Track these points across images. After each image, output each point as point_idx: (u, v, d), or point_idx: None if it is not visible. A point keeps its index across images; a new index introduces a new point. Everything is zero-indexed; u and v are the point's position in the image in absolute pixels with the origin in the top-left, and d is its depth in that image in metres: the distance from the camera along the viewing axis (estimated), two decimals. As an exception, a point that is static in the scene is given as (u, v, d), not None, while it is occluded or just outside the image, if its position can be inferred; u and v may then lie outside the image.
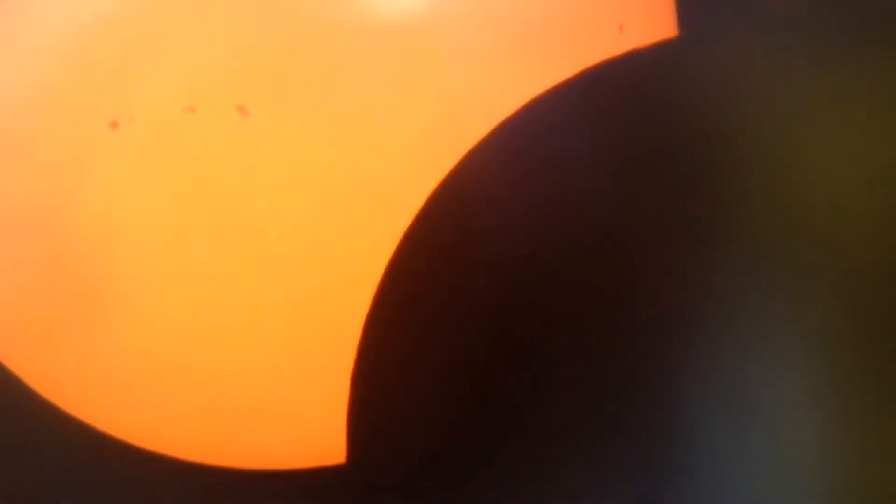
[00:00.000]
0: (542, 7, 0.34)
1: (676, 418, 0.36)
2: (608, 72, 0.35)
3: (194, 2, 0.33)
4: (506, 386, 0.35)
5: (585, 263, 0.35)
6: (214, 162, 0.33)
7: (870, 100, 0.37)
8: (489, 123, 0.34)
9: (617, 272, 0.36)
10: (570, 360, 0.36)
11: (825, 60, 0.36)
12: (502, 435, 0.35)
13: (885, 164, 0.37)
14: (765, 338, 0.36)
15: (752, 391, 0.36)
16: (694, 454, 0.36)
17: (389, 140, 0.33)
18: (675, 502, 0.36)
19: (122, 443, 0.35)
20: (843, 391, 0.37)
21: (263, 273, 0.33)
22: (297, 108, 0.33)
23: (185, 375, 0.34)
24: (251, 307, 0.33)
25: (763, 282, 0.36)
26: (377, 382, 0.34)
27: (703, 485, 0.36)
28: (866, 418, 0.37)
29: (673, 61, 0.35)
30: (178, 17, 0.33)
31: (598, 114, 0.35)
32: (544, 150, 0.35)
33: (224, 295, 0.33)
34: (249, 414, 0.34)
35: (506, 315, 0.35)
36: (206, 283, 0.33)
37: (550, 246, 0.35)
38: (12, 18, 0.33)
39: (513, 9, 0.34)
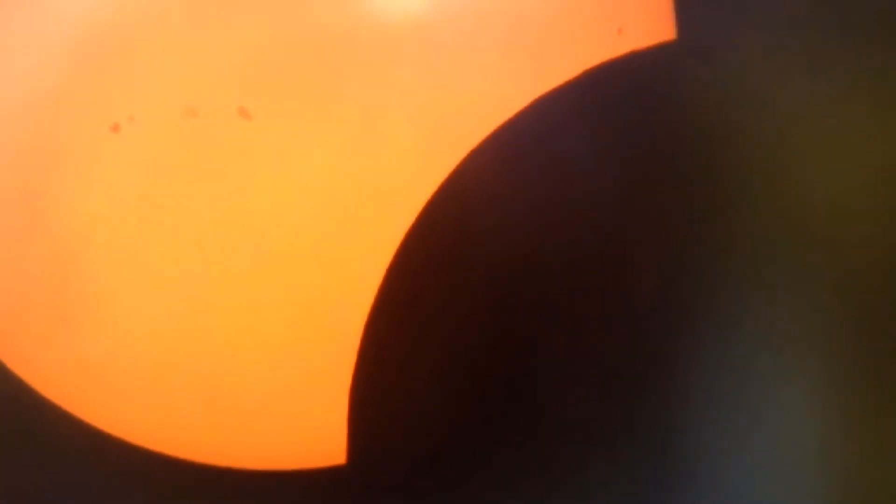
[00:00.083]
0: (542, 10, 0.34)
1: (676, 418, 0.36)
2: (608, 73, 0.35)
3: (196, 5, 0.33)
4: (506, 386, 0.35)
5: (585, 263, 0.36)
6: (216, 164, 0.33)
7: (869, 101, 0.37)
8: (490, 125, 0.34)
9: (617, 272, 0.36)
10: (570, 361, 0.36)
11: (824, 62, 0.37)
12: (502, 435, 0.36)
13: (884, 165, 0.37)
14: (765, 337, 0.36)
15: (751, 391, 0.36)
16: (694, 454, 0.37)
17: (390, 141, 0.34)
18: (676, 502, 0.36)
19: (123, 442, 0.35)
20: (843, 391, 0.37)
21: (265, 274, 0.33)
22: (298, 110, 0.33)
23: (186, 375, 0.34)
24: (252, 308, 0.34)
25: (763, 282, 0.36)
26: (378, 383, 0.34)
27: (704, 485, 0.37)
28: (866, 418, 0.37)
29: (672, 63, 0.36)
30: (179, 20, 0.33)
31: (598, 115, 0.35)
32: (545, 152, 0.35)
33: (225, 295, 0.33)
34: (250, 414, 0.34)
35: (506, 315, 0.35)
36: (208, 283, 0.33)
37: (550, 246, 0.35)
38: (15, 22, 0.34)
39: (513, 11, 0.34)
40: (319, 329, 0.34)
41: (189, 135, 0.33)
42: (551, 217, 0.35)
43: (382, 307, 0.34)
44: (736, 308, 0.36)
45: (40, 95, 0.33)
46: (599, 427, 0.36)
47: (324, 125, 0.33)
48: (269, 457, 0.35)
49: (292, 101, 0.33)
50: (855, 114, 0.37)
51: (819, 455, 0.37)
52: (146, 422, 0.35)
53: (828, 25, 0.36)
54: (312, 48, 0.33)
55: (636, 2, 0.35)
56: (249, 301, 0.33)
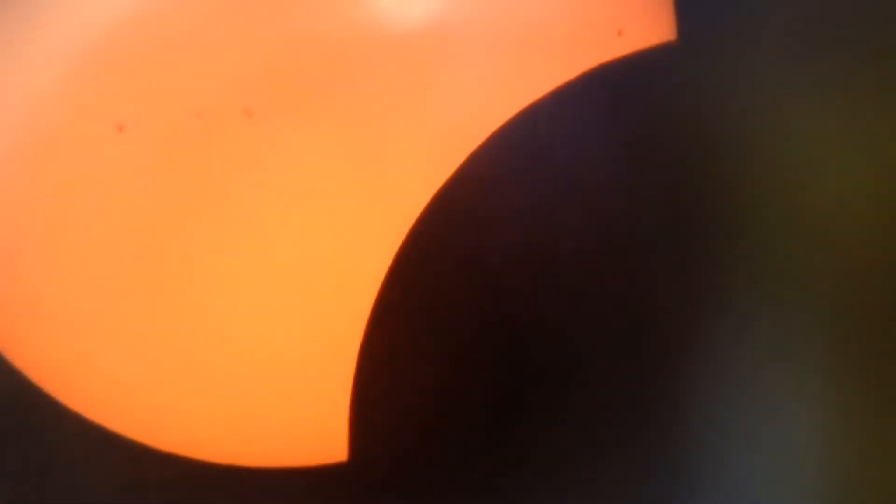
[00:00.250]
0: (542, 11, 0.35)
1: (678, 417, 0.36)
2: (608, 75, 0.35)
3: (200, 7, 0.33)
4: (507, 385, 0.36)
5: (586, 264, 0.36)
6: (220, 165, 0.33)
7: (869, 101, 0.37)
8: (491, 126, 0.34)
9: (618, 273, 0.36)
10: (572, 361, 0.36)
11: (823, 63, 0.37)
12: (503, 433, 0.36)
13: (884, 165, 0.37)
14: (767, 337, 0.37)
15: (754, 390, 0.37)
16: (697, 453, 0.37)
17: (393, 143, 0.34)
18: (677, 500, 0.36)
19: (125, 439, 0.35)
20: (845, 391, 0.37)
21: (267, 273, 0.34)
22: (302, 111, 0.33)
23: (188, 374, 0.34)
24: (255, 306, 0.34)
25: (764, 281, 0.36)
26: (379, 381, 0.35)
27: (707, 484, 0.37)
28: (867, 418, 0.37)
29: (672, 65, 0.36)
30: (184, 22, 0.33)
31: (599, 116, 0.35)
32: (545, 153, 0.35)
33: (228, 295, 0.34)
34: (253, 412, 0.35)
35: (507, 315, 0.35)
36: (211, 283, 0.34)
37: (551, 247, 0.35)
38: (21, 23, 0.34)
39: (514, 14, 0.34)
40: (321, 327, 0.34)
41: (194, 135, 0.33)
42: (552, 218, 0.35)
43: (384, 306, 0.34)
44: (737, 308, 0.36)
45: (46, 96, 0.33)
46: (603, 427, 0.36)
47: (327, 126, 0.33)
48: (271, 454, 0.35)
49: (296, 102, 0.33)
50: (855, 114, 0.37)
51: (821, 454, 0.37)
52: (148, 419, 0.35)
53: (827, 26, 0.37)
54: (316, 51, 0.33)
55: (636, 3, 0.36)
56: (252, 299, 0.34)
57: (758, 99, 0.36)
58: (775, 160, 0.37)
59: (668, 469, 0.36)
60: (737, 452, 0.37)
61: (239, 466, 0.35)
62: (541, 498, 0.36)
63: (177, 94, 0.33)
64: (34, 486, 0.36)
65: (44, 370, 0.35)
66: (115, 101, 0.33)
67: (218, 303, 0.34)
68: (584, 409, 0.36)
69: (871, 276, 0.37)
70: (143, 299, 0.34)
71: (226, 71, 0.33)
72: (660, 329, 0.36)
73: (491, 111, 0.34)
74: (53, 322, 0.34)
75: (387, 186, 0.34)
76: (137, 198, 0.33)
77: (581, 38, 0.35)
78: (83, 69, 0.33)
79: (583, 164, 0.36)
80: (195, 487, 0.36)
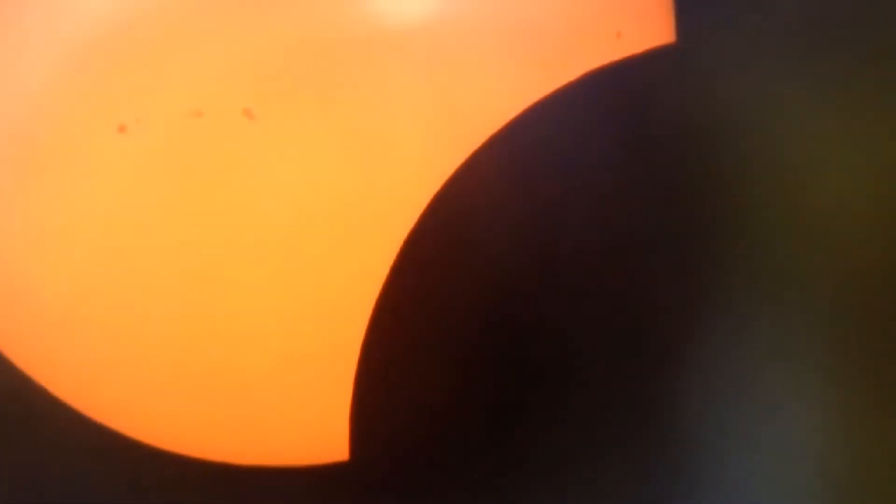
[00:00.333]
0: (541, 13, 0.35)
1: (677, 417, 0.37)
2: (607, 77, 0.35)
3: (201, 7, 0.33)
4: (507, 385, 0.36)
5: (587, 264, 0.36)
6: (221, 165, 0.33)
7: (869, 101, 0.37)
8: (490, 128, 0.34)
9: (618, 273, 0.36)
10: (573, 361, 0.36)
11: (823, 64, 0.37)
12: (504, 432, 0.36)
13: (884, 165, 0.37)
14: (766, 337, 0.37)
15: (753, 391, 0.37)
16: (693, 453, 0.37)
17: (393, 143, 0.34)
18: (677, 500, 0.36)
19: (127, 439, 0.35)
20: (845, 391, 0.37)
21: (269, 273, 0.34)
22: (302, 111, 0.34)
23: (190, 373, 0.34)
24: (256, 305, 0.34)
25: (764, 282, 0.37)
26: (380, 380, 0.35)
27: (707, 484, 0.37)
28: (867, 418, 0.37)
29: (670, 67, 0.36)
30: (185, 21, 0.33)
31: (598, 118, 0.36)
32: (544, 154, 0.35)
33: (230, 294, 0.34)
34: (254, 411, 0.35)
35: (508, 315, 0.36)
36: (212, 282, 0.34)
37: (551, 247, 0.36)
38: (22, 22, 0.34)
39: (513, 15, 0.35)
40: (322, 326, 0.34)
41: (194, 136, 0.33)
42: (552, 218, 0.35)
43: (386, 305, 0.34)
44: (737, 308, 0.37)
45: (48, 96, 0.34)
46: (603, 427, 0.36)
47: (327, 126, 0.34)
48: (272, 453, 0.35)
49: (296, 102, 0.34)
50: (855, 114, 0.37)
51: (821, 454, 0.37)
52: (148, 418, 0.35)
53: (827, 26, 0.37)
54: (317, 50, 0.34)
55: (635, 5, 0.36)
56: (253, 298, 0.34)
57: (757, 100, 0.37)
58: (775, 161, 0.37)
59: (668, 469, 0.36)
60: (737, 452, 0.37)
61: (240, 465, 0.36)
62: (541, 497, 0.36)
63: (177, 95, 0.33)
64: (33, 484, 0.36)
65: (44, 369, 0.35)
66: (116, 102, 0.33)
67: (219, 302, 0.34)
68: (584, 409, 0.36)
69: (871, 275, 0.37)
70: (144, 299, 0.34)
71: (226, 71, 0.33)
72: (660, 329, 0.36)
73: (491, 112, 0.34)
74: (54, 321, 0.35)
75: (387, 186, 0.34)
76: (138, 197, 0.34)
77: (580, 40, 0.35)
78: (84, 69, 0.34)
79: (583, 166, 0.36)
80: (196, 486, 0.36)
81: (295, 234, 0.34)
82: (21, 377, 0.36)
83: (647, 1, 0.36)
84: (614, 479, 0.36)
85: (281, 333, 0.34)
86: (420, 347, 0.35)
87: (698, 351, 0.37)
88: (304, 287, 0.34)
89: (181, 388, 0.35)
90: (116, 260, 0.34)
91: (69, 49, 0.34)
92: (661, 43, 0.36)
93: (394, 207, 0.34)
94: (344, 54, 0.34)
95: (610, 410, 0.36)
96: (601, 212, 0.36)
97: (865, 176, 0.37)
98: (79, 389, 0.35)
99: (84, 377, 0.35)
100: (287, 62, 0.33)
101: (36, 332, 0.35)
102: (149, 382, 0.35)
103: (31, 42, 0.34)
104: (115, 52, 0.33)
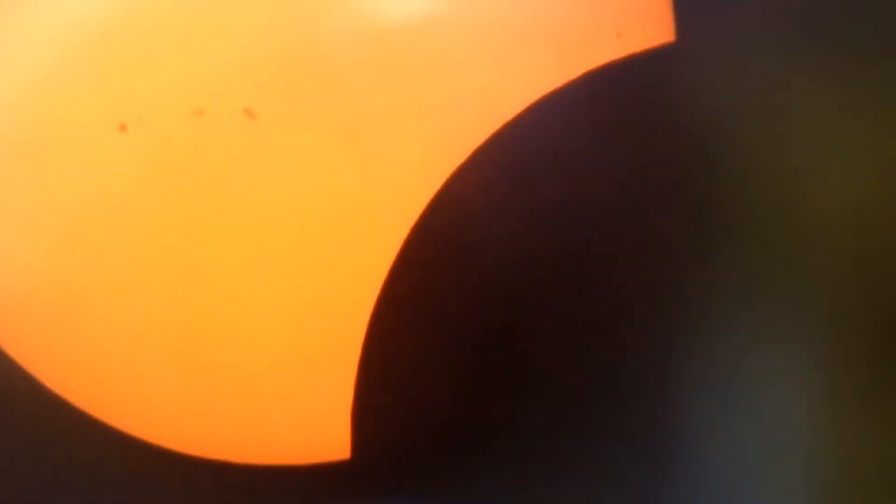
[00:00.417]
0: (541, 13, 0.35)
1: (675, 417, 0.37)
2: (607, 76, 0.35)
3: (202, 6, 0.34)
4: (509, 383, 0.36)
5: (587, 264, 0.36)
6: (222, 164, 0.34)
7: (869, 102, 0.37)
8: (491, 127, 0.35)
9: (618, 272, 0.36)
10: (573, 360, 0.36)
11: (823, 64, 0.37)
12: (506, 431, 0.36)
13: (884, 166, 0.37)
14: (764, 336, 0.37)
15: (751, 391, 0.37)
16: (692, 453, 0.37)
17: (394, 142, 0.34)
18: (674, 499, 0.37)
19: (129, 437, 0.36)
20: (843, 391, 0.37)
21: (270, 272, 0.34)
22: (303, 110, 0.34)
23: (191, 371, 0.34)
24: (258, 305, 0.34)
25: (762, 281, 0.37)
26: (381, 380, 0.35)
27: (702, 484, 0.37)
28: (865, 418, 0.37)
29: (670, 66, 0.36)
30: (186, 21, 0.34)
31: (598, 117, 0.36)
32: (544, 154, 0.35)
33: (231, 293, 0.34)
34: (255, 410, 0.35)
35: (508, 314, 0.36)
36: (214, 281, 0.34)
37: (551, 247, 0.36)
38: (22, 21, 0.34)
39: (513, 15, 0.35)
40: (324, 325, 0.34)
41: (196, 135, 0.33)
42: (551, 218, 0.36)
43: (386, 304, 0.35)
44: (736, 307, 0.37)
45: (49, 94, 0.34)
46: (603, 424, 0.36)
47: (328, 126, 0.34)
48: (274, 452, 0.36)
49: (297, 101, 0.34)
50: (855, 114, 0.37)
51: (817, 454, 0.37)
52: (150, 416, 0.35)
53: (827, 26, 0.37)
54: (318, 50, 0.34)
55: (635, 5, 0.36)
56: (254, 297, 0.34)
57: (757, 99, 0.37)
58: (775, 160, 0.37)
59: (663, 466, 0.37)
60: (733, 452, 0.37)
61: (241, 464, 0.36)
62: (543, 491, 0.36)
63: (179, 94, 0.33)
64: (33, 481, 0.36)
65: (44, 367, 0.36)
66: (117, 101, 0.33)
67: (220, 301, 0.34)
68: (584, 408, 0.36)
69: (871, 275, 0.37)
70: (145, 298, 0.34)
71: (227, 71, 0.33)
72: (660, 329, 0.36)
73: (491, 112, 0.35)
74: (55, 319, 0.35)
75: (388, 186, 0.34)
76: (139, 196, 0.34)
77: (580, 40, 0.35)
78: (85, 68, 0.34)
79: (583, 165, 0.36)
80: (197, 485, 0.36)
81: (296, 232, 0.34)
82: (23, 375, 0.36)
83: (647, 0, 0.36)
84: (614, 477, 0.36)
85: (282, 332, 0.34)
86: (421, 347, 0.35)
87: (695, 352, 0.37)
88: (306, 286, 0.34)
89: (183, 387, 0.35)
90: (117, 258, 0.34)
91: (70, 48, 0.34)
92: (661, 42, 0.36)
93: (394, 207, 0.34)
94: (345, 54, 0.34)
95: (613, 409, 0.36)
96: (601, 211, 0.36)
97: (865, 175, 0.37)
98: (81, 388, 0.35)
99: (86, 376, 0.35)
100: (288, 62, 0.34)
101: (38, 331, 0.35)
102: (150, 380, 0.35)
103: (32, 41, 0.34)
104: (116, 51, 0.34)
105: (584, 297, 0.36)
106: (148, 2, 0.34)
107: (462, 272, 0.35)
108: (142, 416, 0.35)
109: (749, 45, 0.37)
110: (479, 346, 0.35)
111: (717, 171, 0.37)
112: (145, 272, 0.34)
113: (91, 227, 0.34)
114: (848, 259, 0.37)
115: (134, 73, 0.33)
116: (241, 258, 0.34)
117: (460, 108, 0.34)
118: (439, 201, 0.34)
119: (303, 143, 0.34)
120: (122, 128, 0.33)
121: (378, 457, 0.35)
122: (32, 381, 0.36)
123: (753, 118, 0.37)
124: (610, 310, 0.36)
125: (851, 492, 0.37)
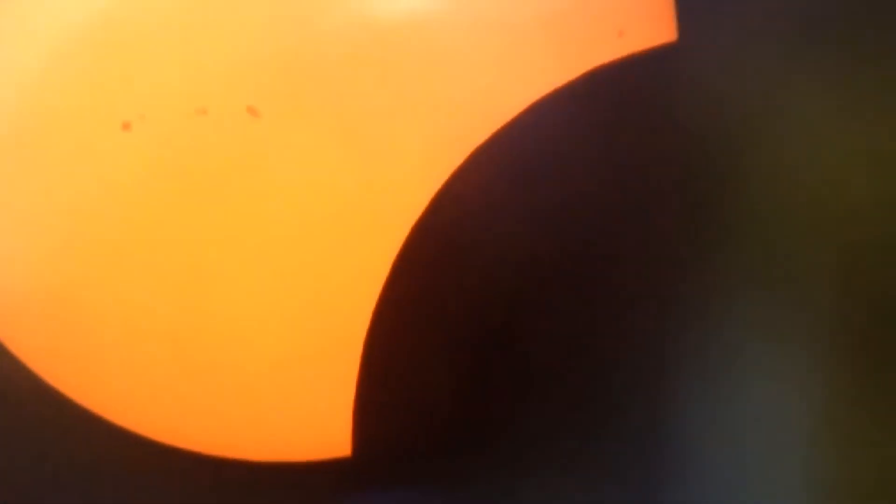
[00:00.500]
0: (542, 12, 0.35)
1: (675, 417, 0.37)
2: (609, 75, 0.35)
3: (205, 5, 0.34)
4: (509, 381, 0.36)
5: (587, 263, 0.36)
6: (224, 162, 0.34)
7: (869, 102, 0.37)
8: (492, 126, 0.35)
9: (617, 273, 0.36)
10: (573, 360, 0.36)
11: (823, 64, 0.37)
12: (507, 428, 0.36)
13: (884, 166, 0.37)
14: (764, 337, 0.37)
15: (750, 390, 0.37)
16: (692, 453, 0.37)
17: (395, 142, 0.34)
18: (674, 499, 0.37)
19: (131, 434, 0.36)
20: (842, 391, 0.37)
21: (272, 270, 0.34)
22: (305, 109, 0.34)
23: (192, 369, 0.35)
24: (260, 302, 0.34)
25: (762, 281, 0.37)
26: (383, 377, 0.35)
27: (702, 484, 0.37)
28: (865, 418, 0.37)
29: (672, 65, 0.36)
30: (189, 19, 0.34)
31: (599, 117, 0.36)
32: (545, 153, 0.36)
33: (234, 290, 0.34)
34: (257, 407, 0.35)
35: (508, 314, 0.36)
36: (216, 278, 0.34)
37: (550, 246, 0.36)
38: (26, 20, 0.34)
39: (513, 14, 0.35)
40: (325, 323, 0.35)
41: (199, 133, 0.34)
42: (551, 218, 0.36)
43: (387, 302, 0.35)
44: (735, 307, 0.37)
45: (52, 93, 0.34)
46: (602, 423, 0.36)
47: (330, 125, 0.34)
48: (275, 449, 0.36)
49: (300, 100, 0.34)
50: (855, 114, 0.37)
51: (817, 454, 0.37)
52: (151, 413, 0.35)
53: (828, 26, 0.37)
54: (320, 49, 0.34)
55: (637, 4, 0.36)
56: (256, 295, 0.34)
57: (758, 99, 0.37)
58: (775, 160, 0.37)
59: (663, 466, 0.37)
60: (732, 452, 0.37)
61: (243, 461, 0.36)
62: (543, 488, 0.36)
63: (181, 92, 0.33)
64: (35, 478, 0.36)
65: (47, 365, 0.36)
66: (120, 99, 0.34)
67: (222, 298, 0.34)
68: (586, 408, 0.36)
69: (870, 275, 0.37)
70: (148, 294, 0.34)
71: (230, 69, 0.34)
72: (660, 328, 0.37)
73: (493, 111, 0.35)
74: (58, 318, 0.35)
75: (389, 185, 0.34)
76: (142, 194, 0.34)
77: (582, 39, 0.35)
78: (88, 67, 0.34)
79: (583, 165, 0.36)
80: (198, 481, 0.36)
81: (298, 230, 0.34)
82: (25, 374, 0.36)
83: (649, 0, 0.36)
84: (614, 477, 0.36)
85: (284, 330, 0.34)
86: (422, 345, 0.35)
87: (695, 352, 0.37)
88: (307, 284, 0.34)
89: (184, 384, 0.35)
90: (119, 256, 0.34)
91: (73, 46, 0.34)
92: (663, 42, 0.36)
93: (396, 205, 0.34)
94: (347, 54, 0.34)
95: (611, 410, 0.36)
96: (601, 211, 0.36)
97: (865, 175, 0.37)
98: (84, 385, 0.36)
99: (88, 374, 0.35)
100: (290, 61, 0.34)
101: (40, 329, 0.35)
102: (150, 378, 0.35)
103: (35, 39, 0.34)
104: (119, 49, 0.34)
105: (584, 297, 0.36)
106: (151, 1, 0.34)
107: (462, 272, 0.35)
108: (142, 413, 0.35)
109: (749, 45, 0.37)
110: (479, 345, 0.35)
111: (717, 171, 0.37)
112: (148, 269, 0.34)
113: (94, 225, 0.34)
114: (848, 259, 0.37)
115: (137, 71, 0.34)
116: (244, 255, 0.34)
117: (460, 108, 0.34)
118: (439, 201, 0.34)
119: (304, 141, 0.34)
120: (126, 126, 0.34)
121: (379, 454, 0.35)
122: (36, 380, 0.36)
123: (753, 118, 0.37)
124: (610, 310, 0.36)
125: (851, 492, 0.37)
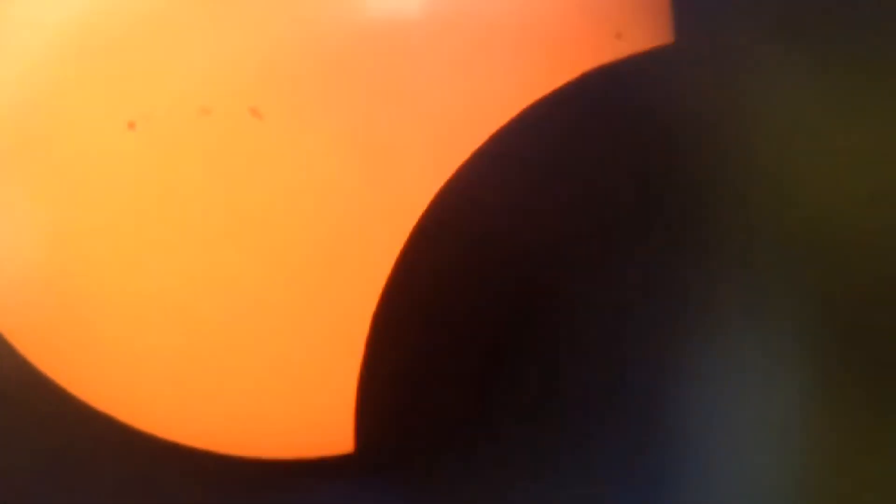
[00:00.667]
0: (540, 13, 0.35)
1: (675, 417, 0.37)
2: (605, 77, 0.36)
3: (209, 4, 0.34)
4: (511, 378, 0.36)
5: (584, 266, 0.36)
6: (228, 162, 0.34)
7: (869, 104, 0.37)
8: (489, 128, 0.35)
9: (617, 273, 0.37)
10: (574, 360, 0.36)
11: (823, 65, 0.37)
12: (508, 425, 0.36)
13: (884, 168, 0.37)
14: (764, 338, 0.37)
15: (751, 391, 0.37)
16: (692, 453, 0.37)
17: (397, 142, 0.35)
18: (674, 499, 0.37)
19: (132, 429, 0.36)
20: (843, 392, 0.37)
21: (275, 267, 0.35)
22: (308, 110, 0.34)
23: (194, 366, 0.35)
24: (263, 300, 0.35)
25: (761, 283, 0.37)
26: (385, 373, 0.35)
27: (702, 484, 0.37)
28: (865, 419, 0.37)
29: (669, 67, 0.36)
30: (193, 19, 0.34)
31: (596, 119, 0.36)
32: (543, 155, 0.36)
33: (236, 288, 0.35)
34: (258, 403, 0.35)
35: (507, 311, 0.36)
36: (220, 277, 0.35)
37: (548, 249, 0.36)
38: (29, 19, 0.35)
39: (512, 15, 0.35)
40: (327, 319, 0.35)
41: (202, 133, 0.34)
42: (549, 219, 0.36)
43: (390, 300, 0.35)
44: (735, 307, 0.37)
45: (56, 93, 0.35)
46: (602, 424, 0.37)
47: (333, 125, 0.34)
48: (277, 445, 0.36)
49: (303, 101, 0.34)
50: (856, 114, 0.37)
51: (817, 454, 0.37)
52: (153, 410, 0.36)
53: (827, 28, 0.37)
54: (323, 50, 0.34)
55: (634, 6, 0.36)
56: (259, 292, 0.35)
57: (757, 100, 0.37)
58: (774, 160, 0.37)
59: (663, 468, 0.37)
60: (732, 455, 0.37)
61: (244, 458, 0.36)
62: (548, 485, 0.36)
63: (186, 92, 0.34)
64: (41, 474, 0.37)
65: (50, 361, 0.36)
66: (125, 99, 0.34)
67: (224, 296, 0.35)
68: (590, 403, 0.36)
69: (870, 275, 0.37)
70: (150, 294, 0.35)
71: (234, 69, 0.34)
72: (660, 329, 0.37)
73: (490, 112, 0.35)
74: (61, 315, 0.35)
75: (391, 186, 0.35)
76: (146, 193, 0.34)
77: (579, 41, 0.36)
78: (93, 66, 0.34)
79: (582, 166, 0.36)
80: (199, 478, 0.36)
81: (301, 227, 0.35)
82: (28, 369, 0.36)
83: (647, 1, 0.37)
84: (614, 477, 0.37)
85: (287, 326, 0.35)
86: (423, 342, 0.36)
87: (695, 354, 0.37)
88: (310, 281, 0.35)
89: (185, 381, 0.35)
90: (123, 255, 0.35)
91: (78, 46, 0.35)
92: (660, 43, 0.36)
93: (397, 205, 0.35)
94: (350, 53, 0.34)
95: (611, 410, 0.36)
96: (599, 211, 0.36)
97: (866, 175, 0.37)
98: (86, 382, 0.36)
99: (91, 371, 0.36)
100: (294, 60, 0.34)
101: (43, 326, 0.36)
102: (153, 375, 0.35)
103: (39, 39, 0.35)
104: (123, 49, 0.34)
105: (583, 297, 0.36)
106: (156, 1, 0.34)
107: (463, 271, 0.36)
108: (143, 410, 0.36)
109: (748, 46, 0.37)
110: (479, 344, 0.36)
111: (717, 171, 0.37)
112: (151, 267, 0.34)
113: (99, 223, 0.34)
114: (848, 259, 0.37)
115: (142, 71, 0.34)
116: (247, 253, 0.34)
117: (461, 107, 0.35)
118: (440, 200, 0.35)
119: (307, 142, 0.34)
120: (131, 125, 0.34)
121: (381, 450, 0.36)
122: (38, 376, 0.36)
123: (753, 119, 0.37)
124: (609, 310, 0.37)
125: (851, 492, 0.37)
